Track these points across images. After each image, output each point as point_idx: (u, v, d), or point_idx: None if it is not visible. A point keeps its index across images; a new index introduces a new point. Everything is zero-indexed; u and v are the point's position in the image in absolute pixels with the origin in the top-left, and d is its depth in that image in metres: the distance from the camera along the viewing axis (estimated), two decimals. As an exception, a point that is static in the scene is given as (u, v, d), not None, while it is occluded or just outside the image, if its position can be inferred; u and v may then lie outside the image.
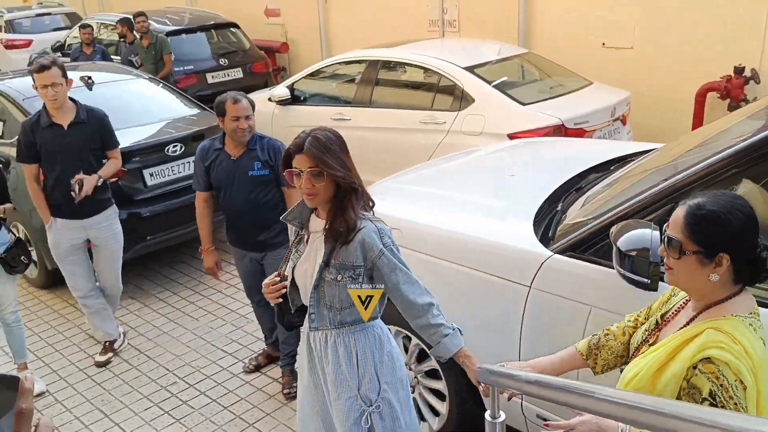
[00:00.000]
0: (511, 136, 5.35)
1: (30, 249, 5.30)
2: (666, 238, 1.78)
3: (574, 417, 1.85)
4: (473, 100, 5.80)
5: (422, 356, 3.33)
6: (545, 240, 2.82)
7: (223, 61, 9.91)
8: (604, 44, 7.77)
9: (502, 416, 1.71)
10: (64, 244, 4.36)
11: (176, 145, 5.47)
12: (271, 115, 7.24)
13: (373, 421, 2.51)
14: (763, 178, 2.30)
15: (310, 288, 2.46)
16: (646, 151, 3.58)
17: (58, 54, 9.98)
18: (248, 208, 3.77)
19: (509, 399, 2.23)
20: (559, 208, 3.13)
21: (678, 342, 1.74)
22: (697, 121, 6.95)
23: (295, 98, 7.22)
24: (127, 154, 5.27)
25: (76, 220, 4.31)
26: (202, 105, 6.30)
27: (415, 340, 3.31)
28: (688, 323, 1.79)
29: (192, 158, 5.35)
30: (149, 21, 8.93)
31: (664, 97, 7.36)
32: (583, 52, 7.85)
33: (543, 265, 2.70)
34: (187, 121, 6.00)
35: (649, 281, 2.08)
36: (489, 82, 5.95)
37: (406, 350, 3.41)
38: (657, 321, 1.94)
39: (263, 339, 4.41)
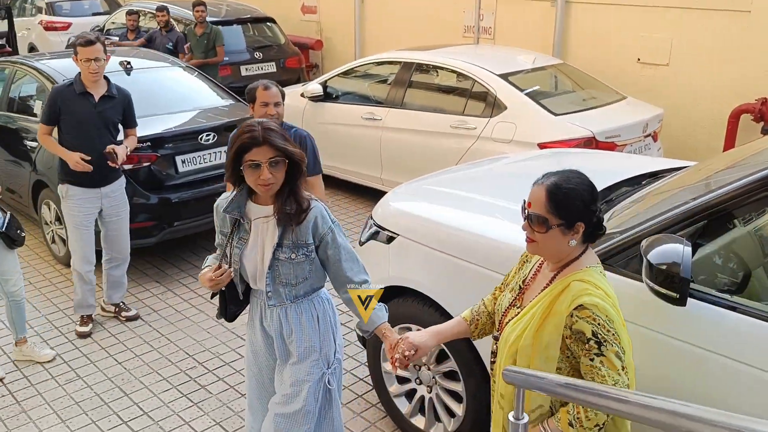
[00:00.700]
0: (542, 146, 5.36)
1: (60, 227, 5.42)
2: (530, 216, 2.05)
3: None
4: (505, 108, 5.81)
5: (441, 357, 3.34)
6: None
7: (257, 55, 10.02)
8: (639, 60, 7.74)
9: (526, 418, 1.73)
10: (82, 213, 4.53)
11: (209, 134, 5.56)
12: (302, 110, 7.31)
13: (329, 382, 2.72)
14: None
15: (265, 269, 2.56)
16: (677, 168, 3.57)
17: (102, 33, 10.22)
18: None
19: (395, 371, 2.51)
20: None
21: (549, 299, 2.03)
22: (729, 143, 6.90)
23: (328, 95, 7.28)
24: (161, 140, 5.37)
25: (94, 189, 4.51)
26: (236, 96, 6.38)
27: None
28: (549, 283, 2.09)
29: (224, 148, 5.44)
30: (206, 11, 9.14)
31: (697, 116, 7.31)
32: (617, 66, 7.82)
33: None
34: (221, 111, 6.09)
35: (678, 296, 2.09)
36: (522, 91, 5.96)
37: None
38: (520, 286, 2.24)
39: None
